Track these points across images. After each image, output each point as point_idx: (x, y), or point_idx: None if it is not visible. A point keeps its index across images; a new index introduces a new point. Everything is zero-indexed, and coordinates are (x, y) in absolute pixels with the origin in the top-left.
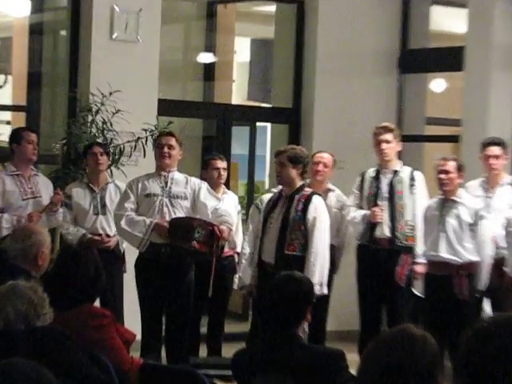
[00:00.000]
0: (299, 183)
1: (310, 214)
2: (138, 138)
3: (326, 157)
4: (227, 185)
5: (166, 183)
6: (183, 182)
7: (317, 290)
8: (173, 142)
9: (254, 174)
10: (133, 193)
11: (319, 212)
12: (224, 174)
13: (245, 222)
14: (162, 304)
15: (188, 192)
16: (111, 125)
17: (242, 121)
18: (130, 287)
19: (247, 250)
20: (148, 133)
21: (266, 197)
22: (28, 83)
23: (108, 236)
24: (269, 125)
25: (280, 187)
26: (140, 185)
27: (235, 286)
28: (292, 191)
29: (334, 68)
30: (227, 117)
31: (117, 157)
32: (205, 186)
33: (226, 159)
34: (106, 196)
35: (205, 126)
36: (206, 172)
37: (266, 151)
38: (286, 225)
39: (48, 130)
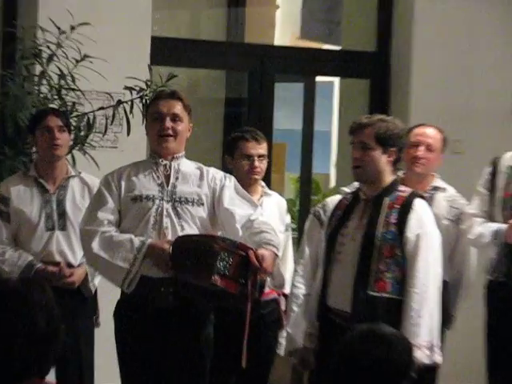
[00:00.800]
0: (390, 178)
1: (411, 230)
2: (119, 103)
3: (430, 134)
4: (267, 180)
5: (168, 178)
6: (195, 176)
7: (422, 356)
8: (178, 108)
9: (311, 163)
10: (112, 194)
11: (426, 226)
12: (262, 164)
13: (297, 242)
14: (159, 378)
15: (204, 192)
16: (73, 80)
17: (291, 74)
18: (106, 350)
19: (301, 291)
20: (135, 94)
21: (333, 201)
22: None
23: (70, 266)
24: (337, 80)
25: (356, 184)
26: (124, 181)
27: (281, 351)
28: (379, 191)
29: None
30: (267, 67)
31: (82, 134)
32: (232, 181)
33: (266, 138)
34: (67, 199)
35: (230, 83)
36: (232, 160)
37: (331, 125)
38: (369, 247)
39: None
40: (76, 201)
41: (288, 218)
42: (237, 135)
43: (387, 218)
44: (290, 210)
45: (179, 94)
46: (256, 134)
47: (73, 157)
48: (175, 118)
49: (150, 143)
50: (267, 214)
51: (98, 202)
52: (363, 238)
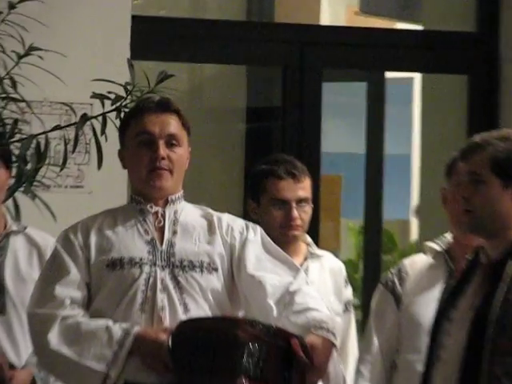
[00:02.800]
0: None
1: None
2: (85, 119)
3: None
4: (314, 233)
5: (162, 233)
6: (202, 228)
7: None
8: (175, 126)
9: (381, 205)
10: (75, 259)
11: None
12: (304, 212)
13: (361, 326)
14: None
15: (217, 252)
16: (14, 85)
17: (347, 68)
18: None
19: None
20: (109, 105)
21: (414, 264)
22: None
23: (11, 367)
24: (417, 77)
25: (450, 238)
26: (94, 239)
27: None
28: (504, 250)
29: None
30: (310, 59)
31: (29, 167)
32: (257, 234)
33: (311, 169)
34: (6, 267)
35: (253, 85)
36: (257, 207)
37: (410, 145)
38: (479, 339)
39: None
40: (20, 270)
41: (348, 292)
42: (263, 169)
43: (509, 293)
44: (349, 278)
45: (173, 104)
46: (293, 167)
47: (15, 202)
48: (171, 140)
49: (131, 180)
50: (316, 287)
51: (54, 271)
52: (472, 325)
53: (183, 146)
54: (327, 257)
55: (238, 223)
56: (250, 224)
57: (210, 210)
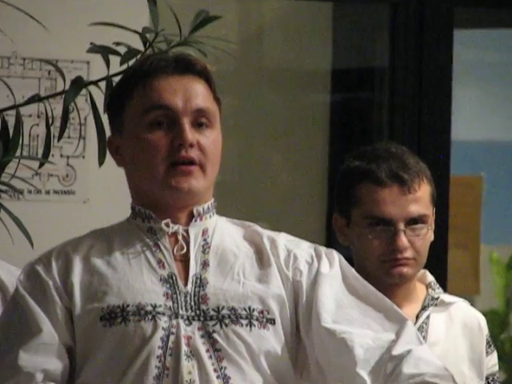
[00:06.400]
0: None
1: None
2: (79, 85)
3: None
4: (440, 265)
5: (186, 264)
6: (248, 255)
7: None
8: (202, 96)
9: None
10: (49, 309)
11: None
12: (418, 238)
13: None
14: None
15: (272, 293)
16: None
17: (494, 7)
18: None
19: None
20: (119, 64)
21: None
22: None
23: None
24: None
25: None
26: (79, 273)
27: None
28: None
29: None
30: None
31: None
32: (335, 262)
33: (435, 168)
34: None
35: (343, 33)
36: (346, 226)
37: None
38: None
39: None
40: None
41: (493, 360)
42: (355, 168)
43: None
44: (494, 339)
45: (200, 61)
46: (403, 167)
47: None
48: (201, 118)
49: (134, 183)
50: (440, 351)
51: (16, 329)
52: None
53: (216, 128)
54: (459, 305)
55: (304, 248)
56: (323, 249)
57: (258, 227)
